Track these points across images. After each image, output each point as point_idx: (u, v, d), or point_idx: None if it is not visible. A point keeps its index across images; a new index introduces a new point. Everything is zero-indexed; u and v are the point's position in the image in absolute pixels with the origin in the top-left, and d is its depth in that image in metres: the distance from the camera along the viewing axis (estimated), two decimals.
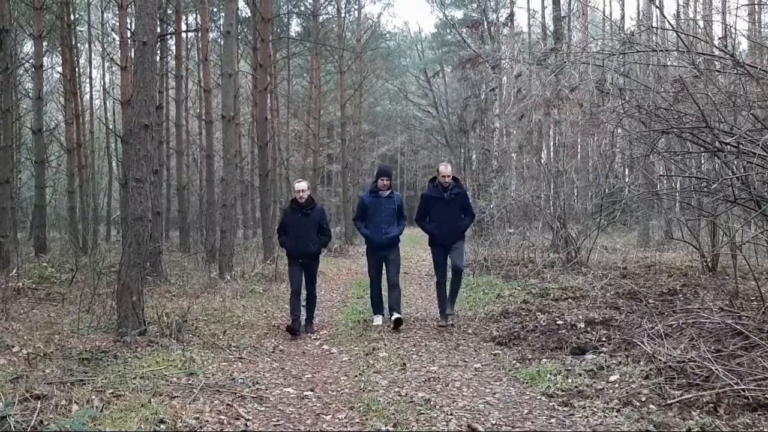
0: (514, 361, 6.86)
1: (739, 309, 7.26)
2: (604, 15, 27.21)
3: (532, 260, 14.67)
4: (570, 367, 6.28)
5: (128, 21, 16.46)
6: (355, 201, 31.99)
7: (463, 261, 9.33)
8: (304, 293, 9.15)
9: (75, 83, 22.03)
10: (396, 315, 8.78)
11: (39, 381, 5.56)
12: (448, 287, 9.32)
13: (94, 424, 4.67)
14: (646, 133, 8.64)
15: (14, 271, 11.91)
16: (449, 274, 9.28)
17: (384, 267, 9.18)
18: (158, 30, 10.07)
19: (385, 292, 9.38)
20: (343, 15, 30.40)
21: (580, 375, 5.98)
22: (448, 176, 8.94)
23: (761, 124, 6.91)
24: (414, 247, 21.89)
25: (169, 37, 21.24)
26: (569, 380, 5.88)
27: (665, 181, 12.53)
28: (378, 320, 9.20)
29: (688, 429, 4.53)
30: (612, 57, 8.36)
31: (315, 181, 28.78)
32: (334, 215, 37.95)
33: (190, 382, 5.97)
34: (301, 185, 8.99)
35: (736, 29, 12.42)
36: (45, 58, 22.86)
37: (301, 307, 9.01)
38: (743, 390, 4.91)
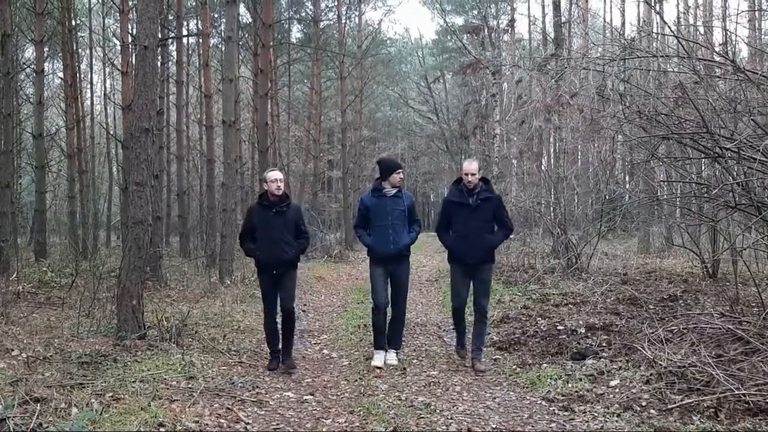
0: (515, 366, 6.86)
1: (740, 314, 7.26)
2: (604, 21, 27.28)
3: (533, 266, 14.65)
4: (570, 372, 6.27)
5: (129, 26, 16.45)
6: (356, 207, 31.89)
7: (488, 299, 7.40)
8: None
9: (76, 88, 22.05)
10: (392, 358, 7.21)
11: (39, 384, 5.55)
12: (468, 327, 7.66)
13: (94, 427, 4.66)
14: (646, 139, 8.66)
15: (14, 276, 11.90)
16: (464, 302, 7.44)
17: (390, 287, 7.32)
18: (159, 35, 10.09)
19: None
20: (343, 21, 30.43)
21: (581, 380, 5.98)
22: (473, 174, 7.06)
23: (762, 129, 6.91)
24: (414, 252, 21.90)
25: (170, 42, 21.29)
26: (570, 385, 5.88)
27: (666, 187, 12.53)
28: (379, 359, 7.15)
29: None
30: (612, 63, 8.36)
31: (316, 187, 28.81)
32: (334, 221, 37.99)
33: (189, 385, 5.96)
34: (277, 174, 7.11)
35: (736, 35, 12.44)
36: (46, 63, 22.89)
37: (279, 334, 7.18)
38: (744, 395, 4.91)
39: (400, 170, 7.37)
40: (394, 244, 7.14)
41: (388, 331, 7.34)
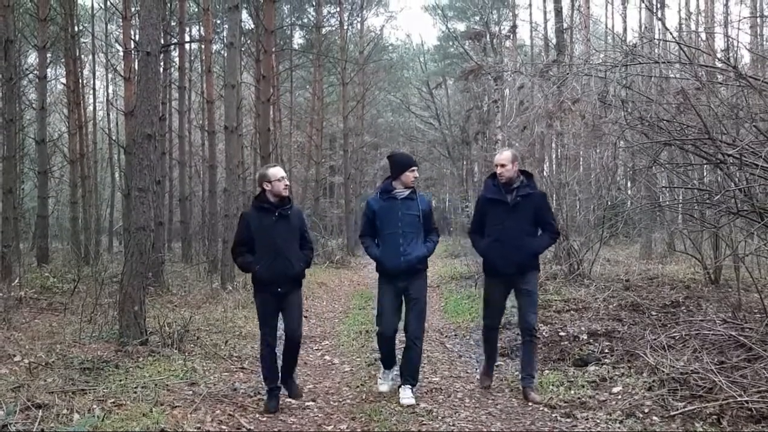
0: (517, 373, 6.83)
1: (743, 321, 7.25)
2: (606, 27, 27.32)
3: None
4: (572, 379, 6.26)
5: (132, 32, 16.51)
6: (357, 212, 32.04)
7: (536, 314, 6.30)
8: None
9: (78, 94, 22.11)
10: (407, 396, 5.82)
11: (40, 390, 5.56)
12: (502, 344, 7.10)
13: None
14: (648, 145, 8.65)
15: (16, 281, 11.91)
16: (498, 323, 6.60)
17: (403, 307, 6.07)
18: (162, 41, 10.14)
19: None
20: (345, 27, 30.53)
21: (583, 386, 5.97)
22: (503, 166, 6.00)
23: (764, 136, 6.91)
24: None
25: (172, 48, 21.33)
26: (572, 391, 5.86)
27: (668, 193, 12.49)
28: (384, 383, 6.20)
29: None
30: (614, 69, 8.37)
31: (317, 192, 28.83)
32: (335, 227, 37.98)
33: (191, 391, 5.96)
34: (281, 171, 5.84)
35: (738, 42, 12.43)
36: (49, 69, 22.95)
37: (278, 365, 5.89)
38: (746, 402, 4.90)
39: (414, 168, 6.07)
40: (404, 256, 5.89)
41: (401, 362, 6.10)
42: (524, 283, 6.00)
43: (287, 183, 5.83)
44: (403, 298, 6.03)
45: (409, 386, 5.93)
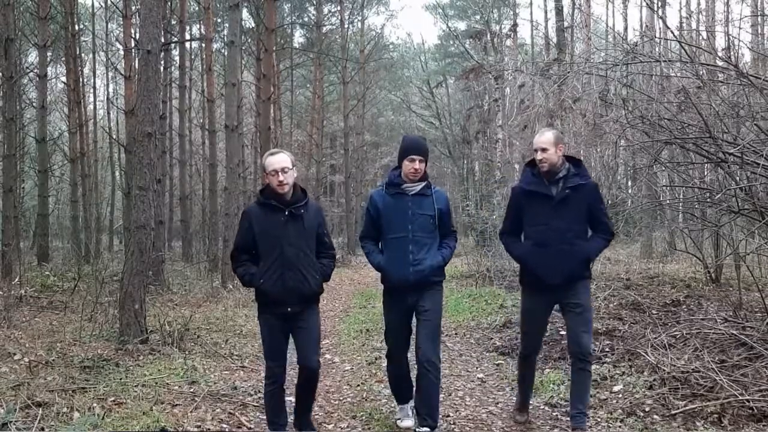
0: (517, 371, 6.83)
1: (743, 320, 7.23)
2: (607, 26, 27.29)
3: None
4: None
5: (133, 31, 16.51)
6: (358, 211, 31.94)
7: (591, 335, 4.96)
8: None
9: (79, 93, 22.13)
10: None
11: (40, 388, 5.56)
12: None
13: None
14: (649, 144, 8.63)
15: (17, 280, 11.90)
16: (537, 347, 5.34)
17: (414, 324, 5.04)
18: (162, 39, 10.13)
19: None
20: (346, 26, 30.56)
21: None
22: (546, 150, 4.75)
23: (765, 134, 6.90)
24: None
25: (173, 46, 21.34)
26: None
27: (668, 192, 12.49)
28: (407, 418, 5.11)
29: None
30: (615, 67, 8.37)
31: (318, 191, 28.83)
32: (336, 225, 37.97)
33: (192, 390, 5.96)
34: (281, 159, 4.54)
35: (739, 40, 12.42)
36: (49, 68, 22.96)
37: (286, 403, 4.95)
38: (748, 401, 4.90)
39: (414, 156, 4.79)
40: (414, 266, 4.77)
41: (415, 395, 5.03)
42: (573, 296, 4.81)
43: (282, 179, 4.50)
44: (412, 317, 5.02)
45: (428, 422, 4.77)
